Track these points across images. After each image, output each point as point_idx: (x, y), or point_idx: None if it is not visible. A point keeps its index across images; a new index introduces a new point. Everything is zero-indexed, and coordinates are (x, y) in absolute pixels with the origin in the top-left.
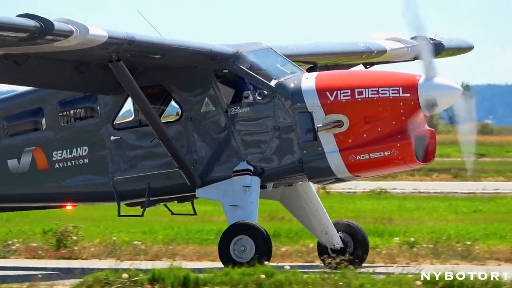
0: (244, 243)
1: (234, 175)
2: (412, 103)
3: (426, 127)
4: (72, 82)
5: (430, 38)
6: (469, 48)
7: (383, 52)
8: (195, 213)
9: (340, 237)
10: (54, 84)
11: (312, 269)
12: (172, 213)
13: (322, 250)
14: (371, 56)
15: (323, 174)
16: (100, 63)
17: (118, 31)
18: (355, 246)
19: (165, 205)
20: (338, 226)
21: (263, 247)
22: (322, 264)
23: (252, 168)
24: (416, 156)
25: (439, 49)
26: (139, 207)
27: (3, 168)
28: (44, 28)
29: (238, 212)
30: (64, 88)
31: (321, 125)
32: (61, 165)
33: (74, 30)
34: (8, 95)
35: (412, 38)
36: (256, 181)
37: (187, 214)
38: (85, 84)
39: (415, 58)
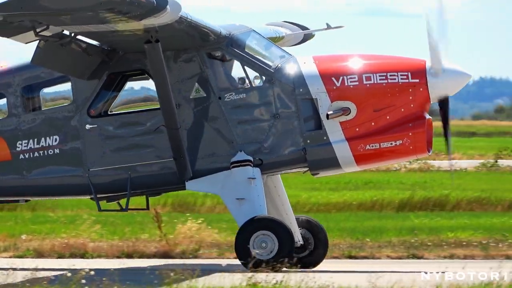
0: (265, 239)
1: (233, 167)
2: (421, 89)
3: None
4: (82, 67)
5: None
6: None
7: (282, 37)
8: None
9: (301, 233)
10: (74, 70)
11: None
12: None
13: None
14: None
15: (328, 165)
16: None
17: None
18: (315, 244)
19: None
20: (298, 222)
21: (287, 244)
22: None
23: (252, 159)
24: None
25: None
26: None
27: None
28: (157, 4)
29: (245, 206)
30: (73, 73)
31: (332, 112)
32: (26, 156)
33: (168, 6)
34: None
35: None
36: (258, 172)
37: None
38: (85, 69)
39: (302, 41)
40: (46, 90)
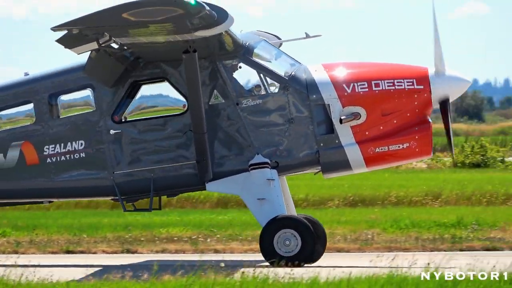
0: (289, 237)
1: (251, 169)
2: (425, 95)
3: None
4: (113, 75)
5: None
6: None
7: None
8: (158, 209)
9: None
10: (108, 79)
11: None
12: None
13: None
14: None
15: (340, 167)
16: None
17: None
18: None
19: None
20: None
21: (309, 241)
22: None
23: (269, 161)
24: None
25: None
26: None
27: None
28: (217, 17)
29: (266, 206)
30: (106, 82)
31: (345, 117)
32: (53, 160)
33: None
34: None
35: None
36: (275, 174)
37: (139, 210)
38: (114, 77)
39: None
40: (64, 97)
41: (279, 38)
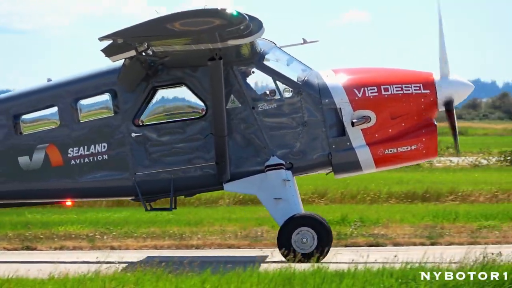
0: (306, 234)
1: (268, 170)
2: (432, 98)
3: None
4: (137, 81)
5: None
6: None
7: None
8: (172, 209)
9: None
10: (133, 84)
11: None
12: (146, 209)
13: None
14: None
15: (351, 168)
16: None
17: None
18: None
19: (135, 200)
20: None
21: (326, 240)
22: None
23: (284, 162)
24: None
25: None
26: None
27: (14, 165)
28: (253, 27)
29: (282, 205)
30: (130, 87)
31: (356, 120)
32: (77, 162)
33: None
34: (17, 92)
35: None
36: (290, 174)
37: (161, 209)
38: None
39: None
40: (85, 101)
41: (275, 44)
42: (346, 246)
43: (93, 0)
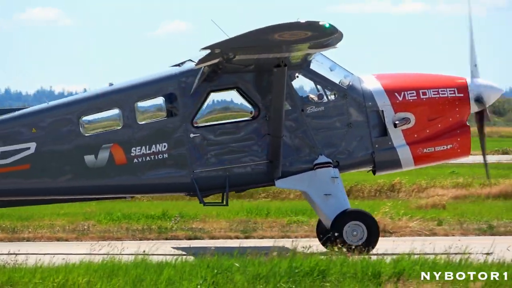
0: (357, 228)
1: (316, 168)
2: (465, 101)
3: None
4: None
5: None
6: None
7: None
8: (226, 204)
9: None
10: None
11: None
12: (204, 204)
13: (321, 230)
14: None
15: (392, 166)
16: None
17: None
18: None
19: (192, 195)
20: None
21: (374, 232)
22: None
23: (331, 161)
24: None
25: None
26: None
27: (80, 163)
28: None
29: (331, 201)
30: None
31: (398, 121)
32: (140, 160)
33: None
34: (82, 95)
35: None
36: (337, 172)
37: (217, 204)
38: None
39: None
40: (140, 104)
41: None
42: (166, 239)
43: None
